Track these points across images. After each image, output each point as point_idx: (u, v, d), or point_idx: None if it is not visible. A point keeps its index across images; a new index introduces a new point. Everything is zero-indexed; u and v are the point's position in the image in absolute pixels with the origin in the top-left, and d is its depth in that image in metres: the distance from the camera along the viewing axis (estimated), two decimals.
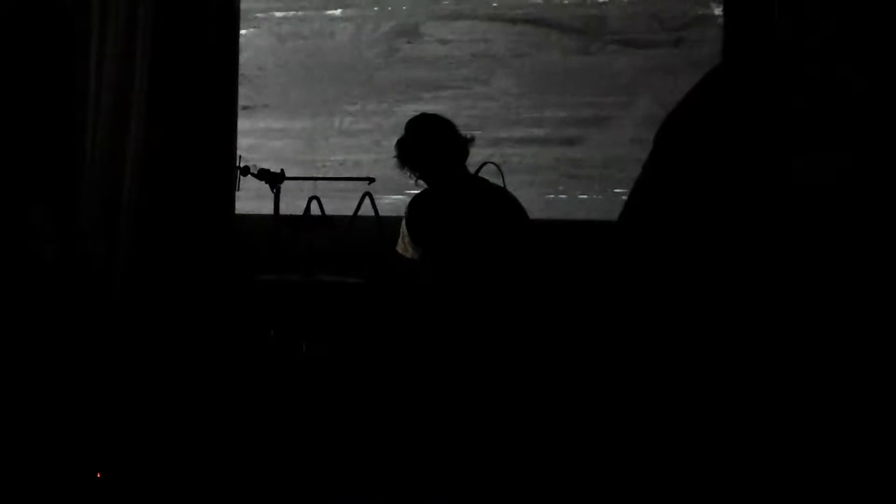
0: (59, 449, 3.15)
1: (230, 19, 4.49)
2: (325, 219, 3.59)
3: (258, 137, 4.38)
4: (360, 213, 3.54)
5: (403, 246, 3.41)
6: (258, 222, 4.10)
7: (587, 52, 4.07)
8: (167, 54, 4.33)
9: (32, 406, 3.41)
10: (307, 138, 4.37)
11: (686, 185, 3.47)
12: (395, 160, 3.37)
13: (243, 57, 4.43)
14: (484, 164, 3.29)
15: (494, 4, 4.18)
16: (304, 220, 3.58)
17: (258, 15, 4.44)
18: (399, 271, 3.43)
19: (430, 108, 3.65)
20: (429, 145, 3.30)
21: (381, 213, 3.56)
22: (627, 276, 3.76)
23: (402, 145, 3.35)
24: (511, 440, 3.17)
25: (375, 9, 4.30)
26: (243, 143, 4.35)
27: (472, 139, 3.34)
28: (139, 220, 4.20)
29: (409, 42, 4.24)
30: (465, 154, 3.32)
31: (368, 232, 3.61)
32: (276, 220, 3.61)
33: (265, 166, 3.63)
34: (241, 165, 3.63)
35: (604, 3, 4.08)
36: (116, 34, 4.09)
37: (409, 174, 3.35)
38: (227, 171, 4.25)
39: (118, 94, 4.11)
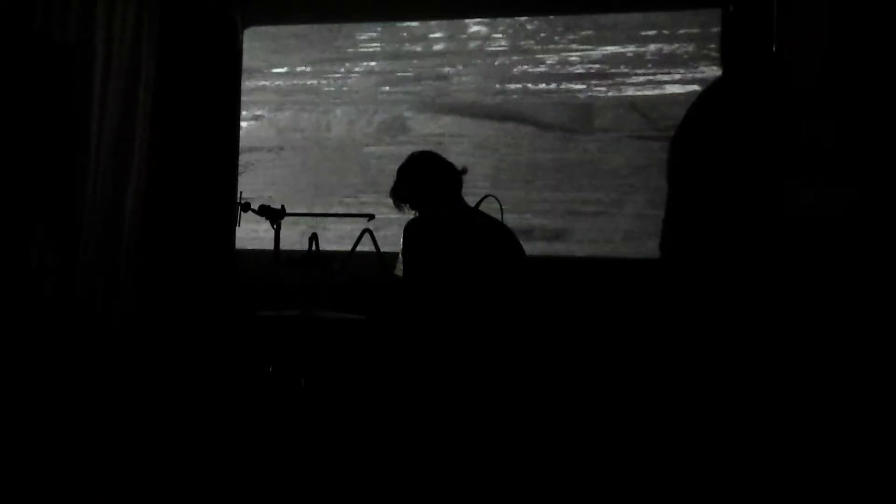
0: (59, 484, 3.14)
1: (232, 61, 4.59)
2: (324, 255, 3.61)
3: (255, 224, 4.42)
4: (359, 249, 3.57)
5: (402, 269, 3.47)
6: (258, 258, 4.12)
7: (574, 146, 4.19)
8: (170, 93, 4.40)
9: (31, 442, 3.39)
10: (304, 225, 4.43)
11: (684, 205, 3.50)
12: (392, 199, 3.43)
13: (242, 146, 4.62)
14: (485, 196, 3.34)
15: (480, 100, 4.34)
16: (304, 256, 3.60)
17: (258, 112, 4.64)
18: (401, 298, 3.46)
19: None
20: (425, 178, 3.37)
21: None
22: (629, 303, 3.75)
23: (398, 181, 3.42)
24: (507, 471, 3.17)
25: (369, 105, 4.49)
26: (239, 232, 4.40)
27: (464, 170, 3.42)
28: (140, 253, 4.22)
29: (399, 135, 4.39)
30: (460, 184, 3.39)
31: (367, 268, 3.64)
32: (276, 256, 3.63)
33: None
34: (242, 201, 3.66)
35: (591, 99, 4.21)
36: (119, 74, 4.15)
37: (407, 210, 3.41)
38: (227, 206, 4.28)
39: (121, 130, 4.16)
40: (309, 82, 4.61)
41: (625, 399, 3.78)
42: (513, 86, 4.33)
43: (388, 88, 4.50)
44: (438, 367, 3.23)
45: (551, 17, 4.31)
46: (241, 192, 3.83)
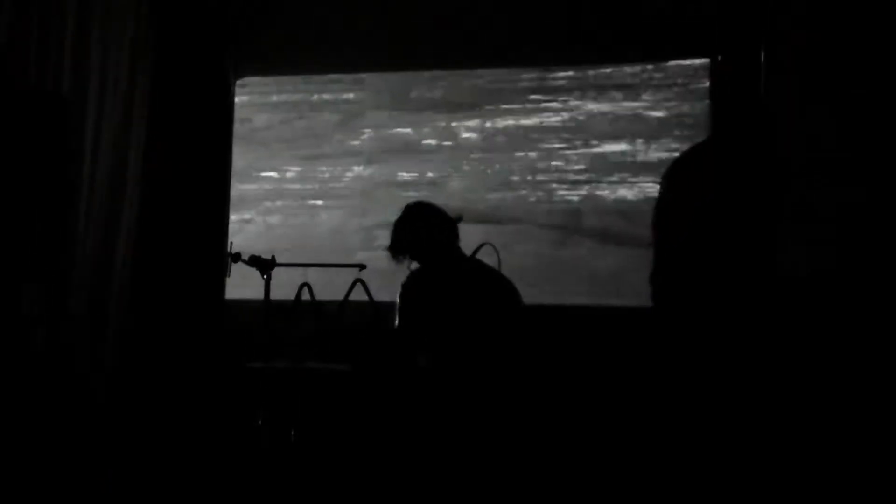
0: None
1: (225, 113, 4.64)
2: (315, 305, 3.60)
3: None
4: (352, 298, 3.55)
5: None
6: (248, 308, 4.10)
7: (564, 247, 4.22)
8: (162, 143, 4.43)
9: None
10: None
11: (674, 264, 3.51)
12: (389, 253, 3.44)
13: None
14: (482, 245, 3.34)
15: (471, 202, 4.34)
16: (295, 306, 3.58)
17: (247, 215, 4.68)
18: (397, 351, 3.45)
19: None
20: (422, 228, 3.37)
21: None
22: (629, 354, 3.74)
23: (395, 235, 3.42)
24: None
25: (359, 201, 4.56)
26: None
27: (460, 218, 3.43)
28: (129, 305, 4.21)
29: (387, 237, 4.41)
30: (456, 235, 3.41)
31: (358, 318, 3.62)
32: (267, 307, 3.61)
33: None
34: (233, 252, 3.66)
35: (581, 202, 4.26)
36: (112, 126, 4.17)
37: (403, 261, 3.41)
38: (218, 257, 4.28)
39: (112, 180, 4.17)
40: (297, 185, 4.66)
41: (623, 445, 3.77)
42: (503, 188, 4.37)
43: (377, 191, 4.54)
44: (434, 417, 3.20)
45: (544, 121, 4.38)
46: (231, 243, 3.82)
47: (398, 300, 3.48)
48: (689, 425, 3.61)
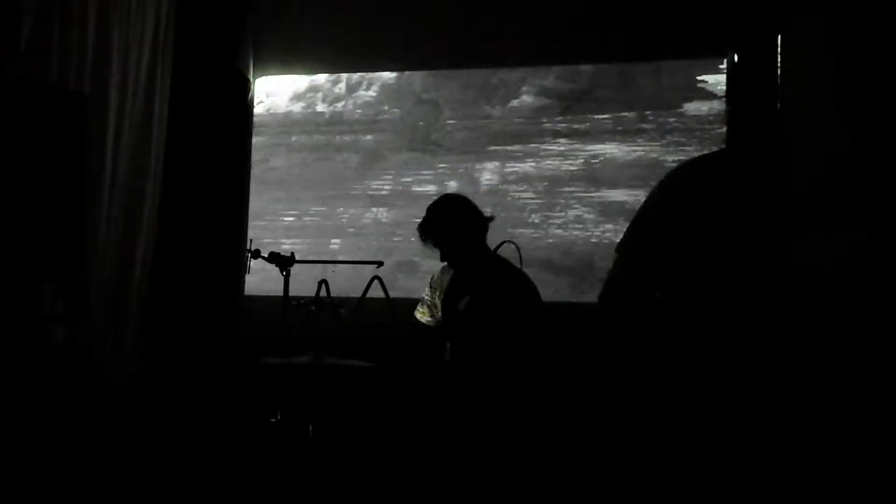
0: None
1: (243, 111, 4.67)
2: (333, 301, 3.62)
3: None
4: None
5: (422, 311, 3.50)
6: (267, 304, 4.13)
7: (578, 290, 4.24)
8: (182, 141, 4.45)
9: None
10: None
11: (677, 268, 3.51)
12: (419, 237, 3.46)
13: (250, 289, 4.60)
14: (503, 243, 3.36)
15: (490, 243, 4.35)
16: (314, 302, 3.60)
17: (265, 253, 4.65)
18: (413, 339, 3.48)
19: None
20: (453, 219, 3.39)
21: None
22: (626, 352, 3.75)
23: (427, 219, 3.44)
24: None
25: (378, 242, 4.60)
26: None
27: (492, 217, 3.45)
28: (148, 301, 4.23)
29: (407, 276, 4.44)
30: (485, 229, 3.43)
31: (376, 315, 3.64)
32: (285, 303, 3.63)
33: None
34: (252, 248, 3.68)
35: (594, 245, 4.31)
36: (132, 121, 4.20)
37: (430, 246, 3.44)
38: (237, 253, 4.30)
39: (133, 178, 4.19)
40: (317, 221, 4.69)
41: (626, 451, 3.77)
42: (522, 230, 4.38)
43: (399, 232, 4.57)
44: (452, 413, 3.22)
45: (561, 164, 4.41)
46: (251, 240, 3.85)
47: (429, 287, 3.51)
48: (701, 429, 3.61)
